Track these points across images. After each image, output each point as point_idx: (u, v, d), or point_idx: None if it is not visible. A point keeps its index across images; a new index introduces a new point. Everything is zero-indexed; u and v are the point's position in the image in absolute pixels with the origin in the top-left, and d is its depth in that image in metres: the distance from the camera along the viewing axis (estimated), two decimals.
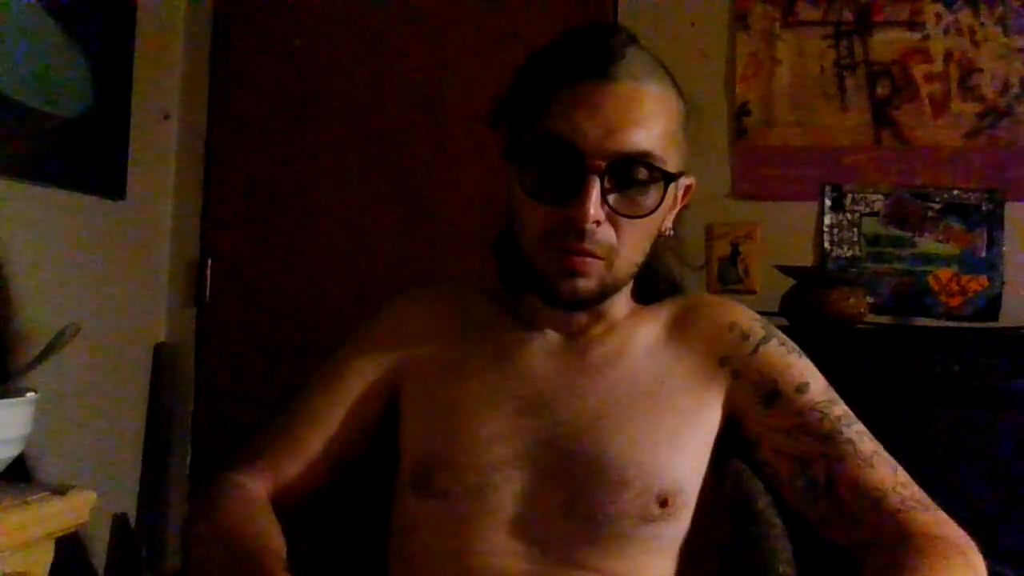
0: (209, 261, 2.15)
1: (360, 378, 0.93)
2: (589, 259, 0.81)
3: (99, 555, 1.77)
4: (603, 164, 0.78)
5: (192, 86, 2.17)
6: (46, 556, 1.12)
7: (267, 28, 2.19)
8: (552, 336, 0.90)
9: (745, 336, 0.89)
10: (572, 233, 0.79)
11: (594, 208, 0.78)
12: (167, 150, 2.15)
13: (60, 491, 1.12)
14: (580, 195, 0.78)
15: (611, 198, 0.79)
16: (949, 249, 1.99)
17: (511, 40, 2.03)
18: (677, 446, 0.85)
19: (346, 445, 0.92)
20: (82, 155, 1.76)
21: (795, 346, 0.91)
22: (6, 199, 1.56)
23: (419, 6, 2.15)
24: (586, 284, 0.82)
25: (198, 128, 2.17)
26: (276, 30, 2.18)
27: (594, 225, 0.79)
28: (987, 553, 0.77)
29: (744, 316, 0.92)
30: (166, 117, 2.13)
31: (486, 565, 0.81)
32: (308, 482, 0.90)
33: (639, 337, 0.90)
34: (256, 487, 0.86)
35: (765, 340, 0.89)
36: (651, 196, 0.81)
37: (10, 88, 1.54)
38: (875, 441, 0.84)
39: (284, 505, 0.87)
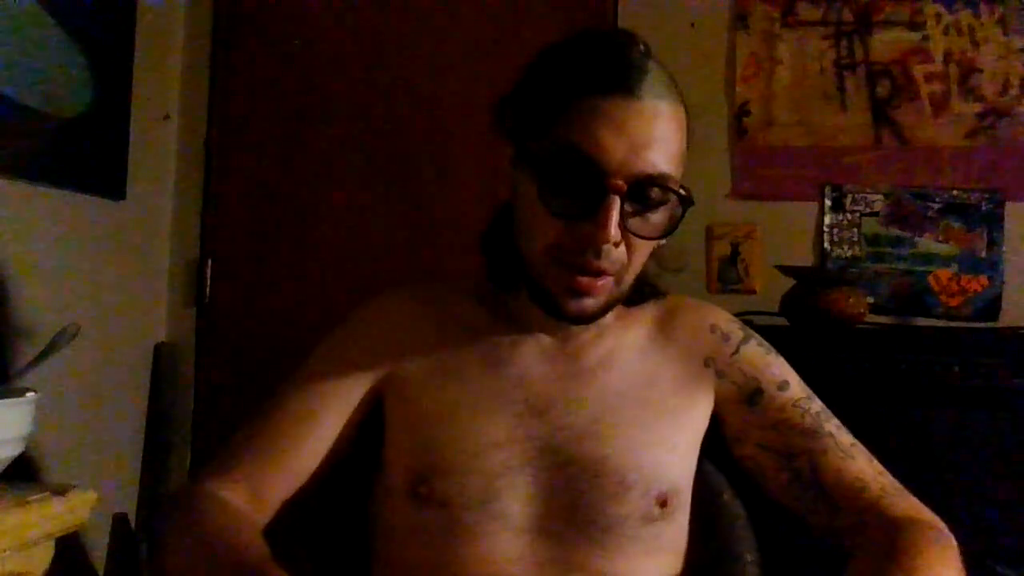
0: (209, 261, 2.15)
1: (341, 383, 0.89)
2: (599, 279, 0.80)
3: (99, 555, 1.77)
4: (624, 184, 0.77)
5: (192, 86, 2.17)
6: (46, 556, 1.12)
7: (267, 28, 2.19)
8: (544, 339, 0.90)
9: (726, 337, 0.92)
10: (589, 251, 0.78)
11: (614, 229, 0.77)
12: (167, 150, 2.15)
13: (60, 491, 1.12)
14: (600, 214, 0.76)
15: (628, 218, 0.79)
16: (949, 249, 1.99)
17: (511, 40, 2.03)
18: (672, 447, 0.87)
19: (327, 454, 0.88)
20: (82, 155, 1.76)
21: (770, 346, 0.94)
22: (6, 199, 1.56)
23: (419, 6, 2.15)
24: (594, 303, 0.82)
25: (198, 128, 2.17)
26: (276, 30, 2.18)
27: (611, 245, 0.78)
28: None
29: (723, 318, 0.95)
30: (166, 117, 2.13)
31: (489, 572, 0.81)
32: (287, 494, 0.86)
33: (628, 340, 0.91)
34: (234, 500, 0.82)
35: (745, 340, 0.93)
36: (665, 216, 0.81)
37: (10, 88, 1.54)
38: (850, 433, 0.89)
39: (262, 518, 0.84)
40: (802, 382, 0.92)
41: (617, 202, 0.77)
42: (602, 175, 0.76)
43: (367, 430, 0.91)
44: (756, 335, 0.94)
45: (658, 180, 0.78)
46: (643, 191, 0.78)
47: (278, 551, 0.74)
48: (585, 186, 0.77)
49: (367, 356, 0.91)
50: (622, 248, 0.80)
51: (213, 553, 0.74)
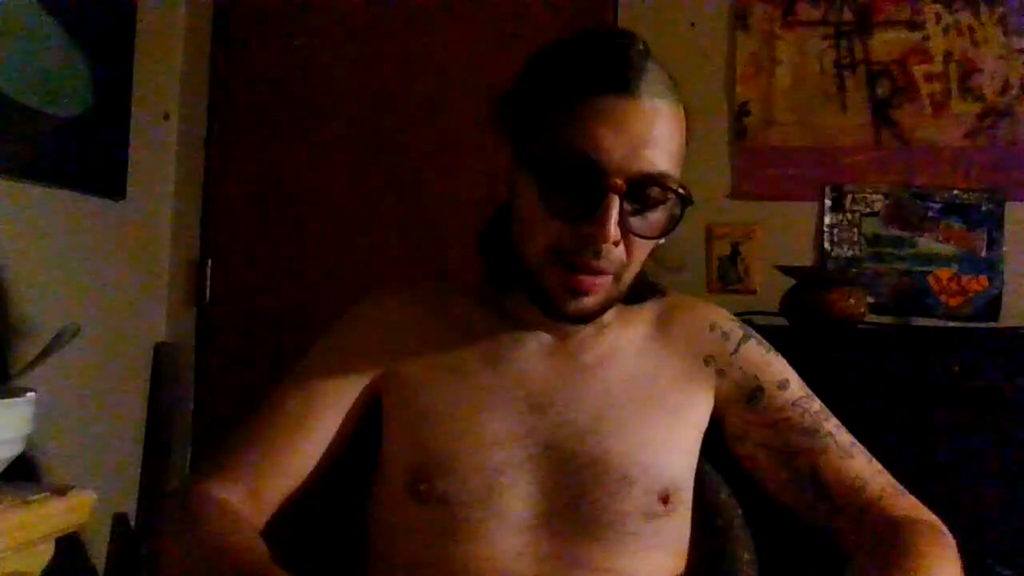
0: (209, 261, 2.15)
1: (339, 381, 0.89)
2: (599, 278, 0.81)
3: (99, 555, 1.77)
4: (623, 184, 0.77)
5: (192, 86, 2.17)
6: (46, 556, 1.12)
7: (267, 28, 2.19)
8: (544, 337, 0.90)
9: (726, 336, 0.93)
10: (588, 250, 0.78)
11: (613, 228, 0.77)
12: (167, 150, 2.15)
13: (60, 491, 1.12)
14: (600, 214, 0.76)
15: (628, 218, 0.79)
16: (949, 249, 1.99)
17: (511, 40, 2.03)
18: (673, 443, 0.87)
19: (324, 452, 0.88)
20: (82, 155, 1.76)
21: (770, 345, 0.94)
22: (6, 199, 1.56)
23: (419, 6, 2.15)
24: (593, 302, 0.82)
25: (198, 128, 2.17)
26: (276, 30, 2.18)
27: (611, 244, 0.78)
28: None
29: (722, 316, 0.95)
30: (166, 117, 2.13)
31: (492, 569, 0.81)
32: (286, 493, 0.86)
33: (628, 337, 0.91)
34: (233, 500, 0.81)
35: (745, 339, 0.93)
36: (664, 215, 0.81)
37: (10, 88, 1.54)
38: (849, 433, 0.89)
39: (261, 517, 0.84)
40: (801, 381, 0.92)
41: (616, 201, 0.77)
42: (601, 175, 0.76)
43: (365, 428, 0.91)
44: (756, 334, 0.95)
45: (657, 179, 0.78)
46: (642, 190, 0.79)
47: (276, 551, 0.74)
48: (584, 186, 0.77)
49: (364, 354, 0.91)
50: (621, 247, 0.80)
51: (211, 554, 0.74)
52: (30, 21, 1.60)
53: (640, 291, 0.92)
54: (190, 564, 0.75)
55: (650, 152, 0.77)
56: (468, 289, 0.95)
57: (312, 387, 0.89)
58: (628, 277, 0.84)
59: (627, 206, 0.78)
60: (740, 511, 0.96)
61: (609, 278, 0.82)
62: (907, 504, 0.83)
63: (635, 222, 0.79)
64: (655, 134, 0.78)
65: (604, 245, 0.78)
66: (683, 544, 0.89)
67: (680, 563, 0.88)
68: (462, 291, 0.95)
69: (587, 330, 0.89)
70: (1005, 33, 1.99)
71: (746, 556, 0.94)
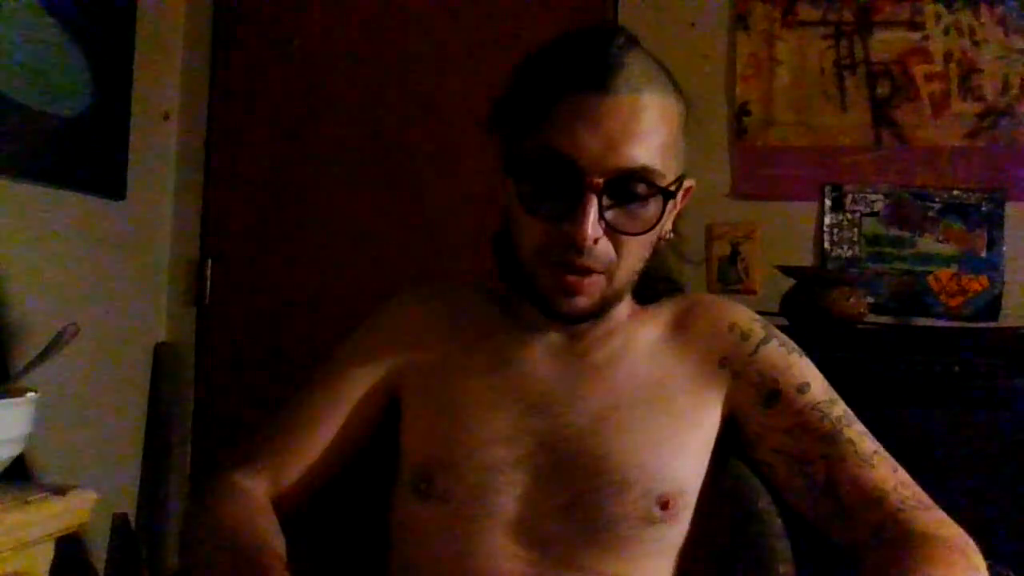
0: (209, 261, 2.15)
1: (360, 379, 0.92)
2: (588, 277, 0.80)
3: (99, 555, 1.77)
4: (601, 181, 0.76)
5: (192, 86, 2.17)
6: (46, 556, 1.12)
7: (267, 28, 2.19)
8: (553, 337, 0.89)
9: (745, 336, 0.89)
10: (571, 249, 0.78)
11: (591, 227, 0.76)
12: (167, 150, 2.15)
13: (60, 491, 1.12)
14: (578, 213, 0.76)
15: (609, 214, 0.78)
16: (949, 249, 1.99)
17: (511, 40, 2.03)
18: (678, 448, 0.85)
19: (345, 447, 0.91)
20: (82, 155, 1.76)
21: (795, 346, 0.90)
22: (6, 199, 1.56)
23: (419, 6, 2.15)
24: (586, 302, 0.81)
25: (198, 128, 2.17)
26: (276, 30, 2.18)
27: (592, 242, 0.77)
28: (987, 554, 0.77)
29: (744, 316, 0.92)
30: (166, 117, 2.13)
31: (487, 567, 0.81)
32: (307, 484, 0.90)
33: (640, 338, 0.90)
34: (255, 489, 0.86)
35: (765, 340, 0.89)
36: (650, 210, 0.80)
37: (10, 88, 1.54)
38: (875, 441, 0.84)
39: (283, 507, 0.87)
40: (827, 385, 0.87)
41: (594, 200, 0.76)
42: (579, 173, 0.76)
43: (390, 427, 0.93)
44: (780, 335, 0.91)
45: (639, 174, 0.78)
46: (624, 186, 0.78)
47: (303, 546, 0.76)
48: (564, 186, 0.77)
49: (384, 354, 0.93)
50: (607, 245, 0.79)
51: (225, 541, 0.77)
52: (30, 21, 1.60)
53: (655, 290, 0.91)
54: (207, 547, 0.79)
55: (629, 147, 0.76)
56: (485, 289, 0.96)
57: (335, 385, 0.92)
58: (623, 275, 0.82)
59: (608, 202, 0.78)
60: (780, 520, 0.90)
61: (601, 277, 0.81)
62: (930, 519, 0.76)
63: (619, 218, 0.79)
64: (635, 130, 0.77)
65: (585, 244, 0.77)
66: (688, 551, 0.86)
67: (683, 570, 0.86)
68: (479, 291, 0.96)
69: (596, 331, 0.88)
70: (1005, 33, 1.99)
71: (782, 568, 0.88)
